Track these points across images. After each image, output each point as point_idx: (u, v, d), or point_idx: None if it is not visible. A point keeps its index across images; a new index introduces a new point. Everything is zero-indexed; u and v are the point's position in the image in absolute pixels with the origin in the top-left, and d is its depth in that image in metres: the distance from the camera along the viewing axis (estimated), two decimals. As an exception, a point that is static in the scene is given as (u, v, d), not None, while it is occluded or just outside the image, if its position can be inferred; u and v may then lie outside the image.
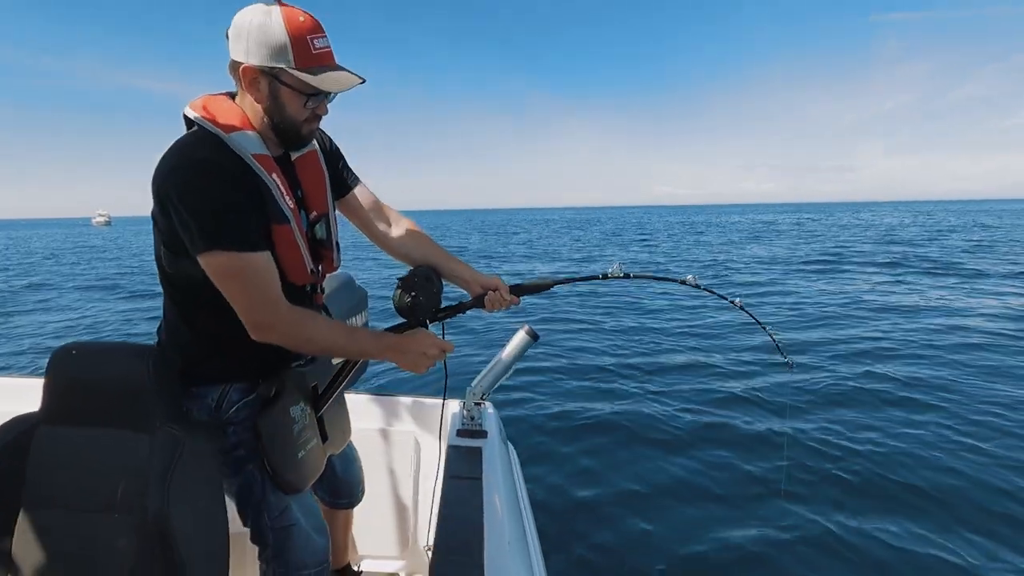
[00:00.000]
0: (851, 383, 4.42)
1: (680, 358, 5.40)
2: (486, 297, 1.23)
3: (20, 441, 0.93)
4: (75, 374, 0.95)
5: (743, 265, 14.03)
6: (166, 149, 0.95)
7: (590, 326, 6.95)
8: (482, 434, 1.40)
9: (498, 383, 1.50)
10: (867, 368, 4.80)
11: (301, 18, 0.93)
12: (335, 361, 1.36)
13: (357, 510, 1.55)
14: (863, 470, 3.08)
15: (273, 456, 1.08)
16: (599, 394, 4.46)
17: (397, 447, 1.81)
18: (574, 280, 1.31)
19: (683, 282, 1.29)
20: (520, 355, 1.49)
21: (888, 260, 13.67)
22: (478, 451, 1.31)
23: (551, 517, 2.68)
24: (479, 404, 1.49)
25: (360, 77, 0.99)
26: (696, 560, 2.41)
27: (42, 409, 0.95)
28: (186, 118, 0.99)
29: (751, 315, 1.38)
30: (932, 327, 6.34)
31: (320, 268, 1.14)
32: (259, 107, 0.99)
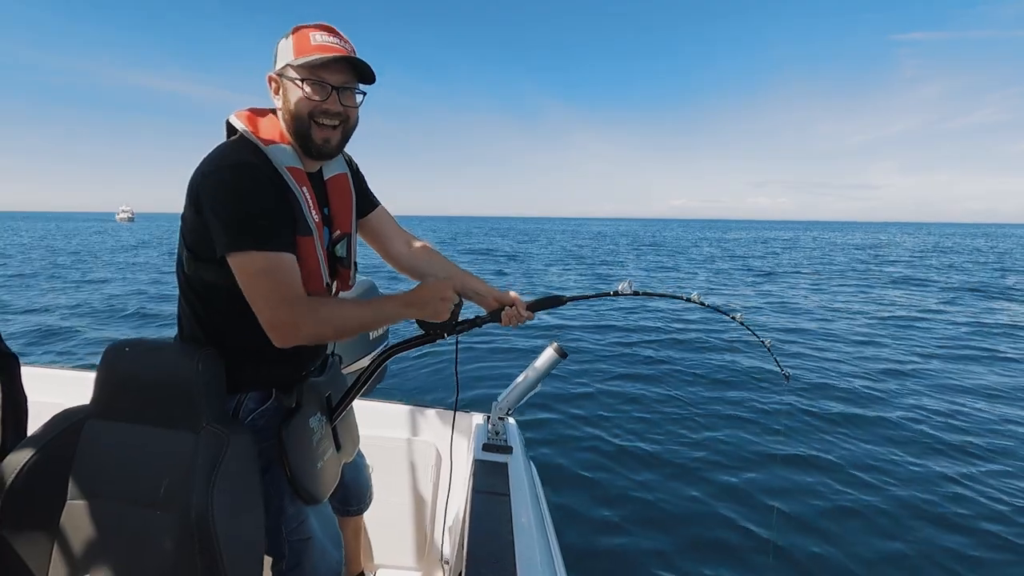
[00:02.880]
0: None
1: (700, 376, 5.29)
2: (503, 312, 1.25)
3: (70, 433, 0.96)
4: (127, 370, 0.98)
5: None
6: (207, 153, 0.98)
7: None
8: (507, 449, 1.40)
9: (524, 399, 1.50)
10: None
11: (310, 25, 1.00)
12: (346, 372, 1.36)
13: (374, 518, 1.56)
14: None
15: (295, 466, 1.09)
16: (612, 409, 4.41)
17: (417, 457, 1.81)
18: (587, 297, 1.33)
19: (688, 299, 1.29)
20: (547, 372, 1.49)
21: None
22: (504, 467, 1.32)
23: (567, 534, 2.65)
24: (503, 419, 1.49)
25: (342, 49, 0.97)
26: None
27: (92, 403, 0.99)
28: (228, 125, 1.03)
29: (750, 330, 1.41)
30: None
31: (335, 284, 1.16)
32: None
